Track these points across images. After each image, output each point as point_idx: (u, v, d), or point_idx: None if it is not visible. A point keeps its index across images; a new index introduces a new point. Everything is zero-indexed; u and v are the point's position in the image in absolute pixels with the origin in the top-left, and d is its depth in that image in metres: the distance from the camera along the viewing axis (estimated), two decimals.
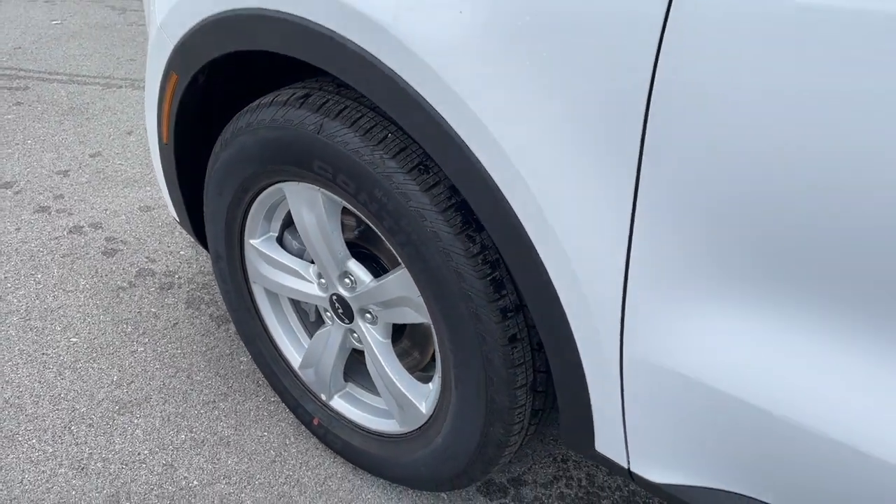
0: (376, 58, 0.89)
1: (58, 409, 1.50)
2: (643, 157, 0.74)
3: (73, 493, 1.33)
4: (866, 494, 0.77)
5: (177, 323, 1.74)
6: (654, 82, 0.70)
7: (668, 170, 0.74)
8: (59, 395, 1.53)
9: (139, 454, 1.41)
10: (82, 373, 1.59)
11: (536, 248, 0.87)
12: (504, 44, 0.79)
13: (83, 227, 2.08)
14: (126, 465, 1.39)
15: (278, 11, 0.98)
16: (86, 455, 1.40)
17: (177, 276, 1.89)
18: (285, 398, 1.44)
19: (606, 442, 0.97)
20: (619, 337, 0.86)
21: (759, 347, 0.79)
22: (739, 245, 0.74)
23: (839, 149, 0.63)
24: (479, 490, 1.36)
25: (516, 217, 0.86)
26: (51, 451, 1.41)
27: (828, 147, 0.64)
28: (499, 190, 0.86)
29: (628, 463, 0.96)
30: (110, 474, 1.37)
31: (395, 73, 0.88)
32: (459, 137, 0.86)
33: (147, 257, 1.96)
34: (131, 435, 1.45)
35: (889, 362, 0.73)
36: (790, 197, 0.68)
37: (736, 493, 0.89)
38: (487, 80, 0.81)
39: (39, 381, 1.56)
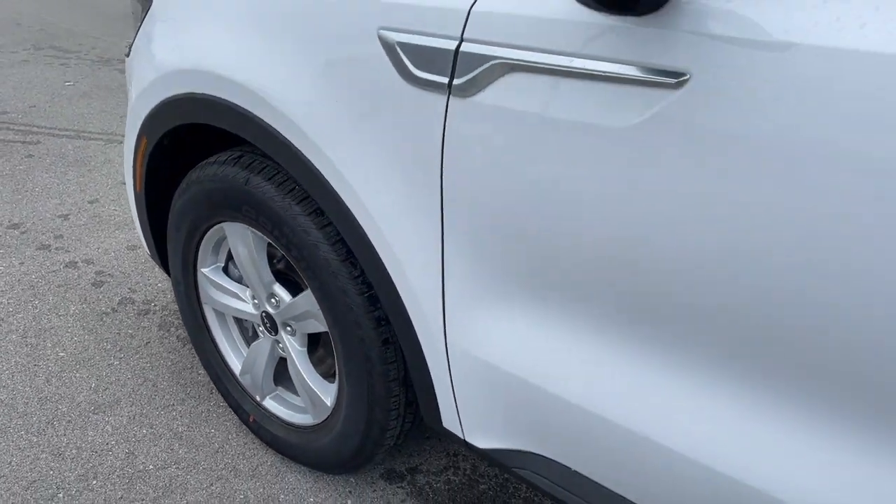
0: (260, 118, 1.24)
1: (43, 409, 1.81)
2: (444, 196, 1.07)
3: (51, 472, 1.63)
4: (609, 448, 1.08)
5: (149, 342, 2.06)
6: (444, 143, 1.04)
7: (460, 206, 1.07)
8: (46, 397, 1.85)
9: (107, 444, 1.71)
10: (66, 380, 1.90)
11: (388, 270, 1.20)
12: (344, 118, 1.13)
13: (77, 262, 2.42)
14: (96, 452, 1.69)
15: (198, 93, 1.34)
16: (63, 444, 1.71)
17: (153, 304, 2.22)
18: (229, 400, 1.76)
19: (449, 418, 1.28)
20: (443, 332, 1.18)
21: (535, 338, 1.11)
22: (512, 263, 1.06)
23: (560, 194, 0.96)
24: (382, 476, 1.66)
25: (371, 244, 1.19)
26: (35, 440, 1.72)
27: (551, 190, 0.97)
28: (357, 221, 1.19)
29: (464, 434, 1.27)
30: (82, 459, 1.67)
31: (271, 126, 1.22)
32: (329, 183, 1.19)
33: (129, 288, 2.29)
34: (102, 430, 1.76)
35: (622, 349, 1.04)
36: (539, 227, 1.01)
37: (532, 452, 1.19)
38: (335, 137, 1.16)
39: (30, 387, 1.88)
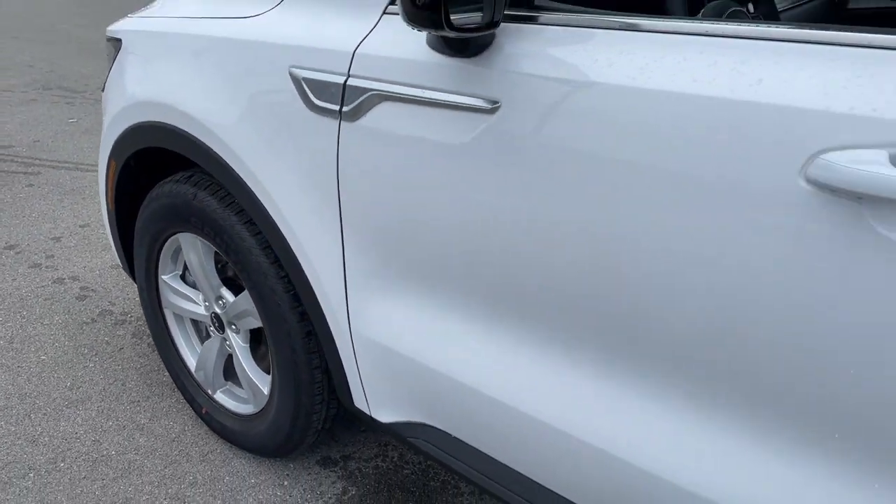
0: (203, 142, 1.47)
1: (23, 403, 2.03)
2: (341, 202, 1.30)
3: (25, 456, 1.84)
4: (483, 418, 1.28)
5: (122, 348, 2.28)
6: (339, 159, 1.27)
7: (353, 212, 1.29)
8: (25, 394, 2.06)
9: (76, 433, 1.93)
10: (45, 380, 2.12)
11: (304, 270, 1.42)
12: (265, 140, 1.37)
13: (64, 278, 2.66)
14: (66, 440, 1.90)
15: (156, 121, 1.58)
16: (38, 433, 1.92)
17: (129, 316, 2.45)
18: (185, 395, 1.97)
19: (358, 398, 1.49)
20: (348, 322, 1.40)
21: (421, 323, 1.32)
22: (397, 260, 1.29)
23: (418, 203, 1.19)
24: (318, 462, 1.86)
25: (290, 248, 1.42)
26: (13, 429, 1.93)
27: (415, 197, 1.19)
28: (278, 228, 1.42)
29: (370, 411, 1.48)
30: (53, 445, 1.88)
31: (211, 149, 1.46)
32: (256, 196, 1.43)
33: (109, 301, 2.52)
34: (73, 421, 1.97)
35: (490, 331, 1.24)
36: (409, 228, 1.23)
37: (423, 424, 1.40)
38: (258, 157, 1.39)
39: (13, 384, 2.10)
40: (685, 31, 0.92)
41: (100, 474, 1.79)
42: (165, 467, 1.82)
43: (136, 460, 1.84)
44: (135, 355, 2.25)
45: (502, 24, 1.06)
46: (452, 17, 0.96)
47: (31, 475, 1.78)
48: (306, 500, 1.74)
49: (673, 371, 0.99)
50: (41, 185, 3.51)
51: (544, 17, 1.05)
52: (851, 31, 0.80)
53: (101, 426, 1.95)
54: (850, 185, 0.75)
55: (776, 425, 0.91)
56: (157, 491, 1.75)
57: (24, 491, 1.74)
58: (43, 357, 2.22)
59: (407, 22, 0.97)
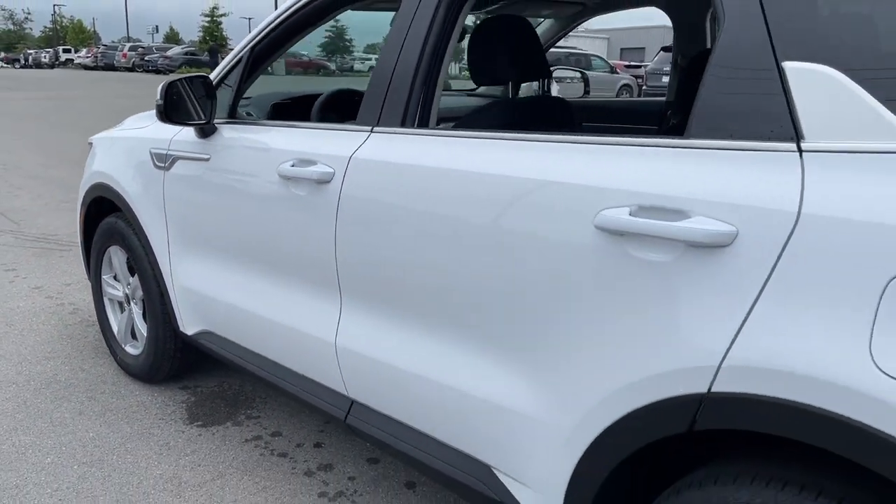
0: (118, 193, 2.86)
1: (2, 385, 3.34)
2: (167, 214, 2.64)
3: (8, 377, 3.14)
4: (242, 322, 2.53)
5: (84, 324, 3.60)
6: (164, 192, 2.63)
7: (172, 219, 2.63)
8: (26, 360, 3.38)
9: (40, 367, 3.22)
10: (38, 342, 3.44)
11: (154, 250, 2.74)
12: (141, 188, 2.74)
13: (63, 301, 4.03)
14: (42, 377, 3.19)
15: (101, 182, 2.99)
16: (18, 371, 3.22)
17: (90, 315, 3.78)
18: (110, 349, 3.25)
19: (178, 322, 2.74)
20: (171, 275, 2.69)
21: (208, 274, 2.59)
22: (193, 241, 2.60)
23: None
24: (179, 386, 3.08)
25: (151, 247, 2.74)
26: None
27: (192, 209, 2.53)
28: (144, 231, 2.76)
29: (183, 328, 2.73)
30: (23, 372, 3.17)
31: (122, 199, 2.84)
32: (139, 221, 2.78)
33: (89, 314, 3.87)
34: (45, 367, 3.26)
35: (243, 275, 2.52)
36: (196, 224, 2.55)
37: (207, 331, 2.64)
38: (138, 199, 2.76)
39: (18, 354, 3.42)
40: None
41: (42, 399, 3.07)
42: (93, 396, 3.09)
43: (73, 392, 3.11)
44: (88, 332, 3.56)
45: (224, 123, 2.42)
46: (184, 119, 2.33)
47: (13, 387, 3.07)
48: (168, 400, 2.97)
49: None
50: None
51: (241, 121, 2.42)
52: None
53: (55, 368, 3.24)
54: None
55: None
56: (90, 403, 3.01)
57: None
58: (36, 338, 3.56)
59: (160, 119, 2.35)
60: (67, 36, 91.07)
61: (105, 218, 3.09)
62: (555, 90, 4.07)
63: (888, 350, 1.04)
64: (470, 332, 1.65)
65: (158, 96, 2.28)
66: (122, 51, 48.64)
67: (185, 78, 2.33)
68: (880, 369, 1.04)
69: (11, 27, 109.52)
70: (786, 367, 1.13)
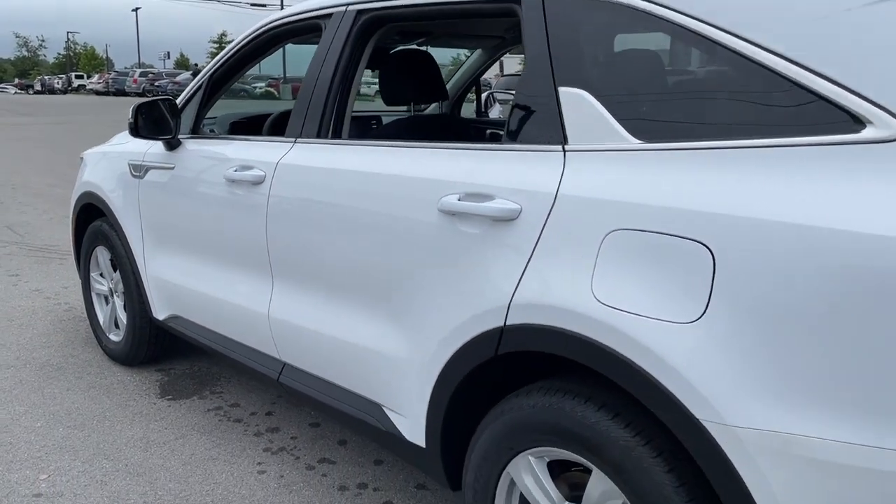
0: (102, 200, 3.34)
1: (2, 368, 3.81)
2: (141, 217, 3.12)
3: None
4: (203, 306, 3.00)
5: (75, 320, 4.07)
6: (139, 196, 3.12)
7: (146, 220, 3.11)
8: (11, 362, 3.86)
9: (38, 352, 3.68)
10: (34, 334, 3.92)
11: (132, 251, 3.22)
12: (121, 195, 3.23)
13: (60, 301, 4.51)
14: (41, 359, 3.66)
15: (89, 191, 3.47)
16: (17, 355, 3.69)
17: (75, 307, 4.26)
18: (97, 338, 3.72)
19: (151, 308, 3.21)
20: (145, 267, 3.17)
21: (175, 265, 3.06)
22: (164, 238, 3.07)
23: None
24: (154, 369, 3.55)
25: (129, 244, 3.22)
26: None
27: (162, 212, 3.01)
28: (125, 236, 3.23)
29: (155, 314, 3.20)
30: (30, 359, 3.64)
31: (105, 204, 3.32)
32: (119, 225, 3.26)
33: (81, 312, 4.34)
34: (43, 352, 3.73)
35: (203, 268, 2.99)
36: (166, 225, 3.02)
37: (175, 315, 3.11)
38: (120, 206, 3.25)
39: (18, 339, 3.89)
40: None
41: (39, 377, 3.53)
42: (81, 376, 3.55)
43: (65, 373, 3.58)
44: (78, 325, 4.03)
45: (192, 138, 2.90)
46: (152, 134, 2.82)
47: (11, 370, 3.54)
48: (144, 379, 3.43)
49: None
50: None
51: (202, 136, 2.90)
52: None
53: (54, 355, 3.71)
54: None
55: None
56: (77, 382, 3.47)
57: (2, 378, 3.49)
58: (34, 331, 4.03)
59: (131, 135, 2.84)
60: (80, 62, 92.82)
61: (93, 222, 3.57)
62: (497, 110, 4.56)
63: (602, 286, 1.49)
64: (358, 296, 2.11)
65: (130, 116, 2.77)
66: (132, 76, 49.72)
67: (153, 100, 2.82)
68: (597, 299, 1.49)
69: (26, 54, 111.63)
70: (547, 302, 1.58)
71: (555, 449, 1.65)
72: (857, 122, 1.27)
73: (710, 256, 1.35)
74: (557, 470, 1.72)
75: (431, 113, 3.10)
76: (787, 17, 1.39)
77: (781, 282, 1.27)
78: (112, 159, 3.34)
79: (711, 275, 1.34)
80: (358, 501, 2.48)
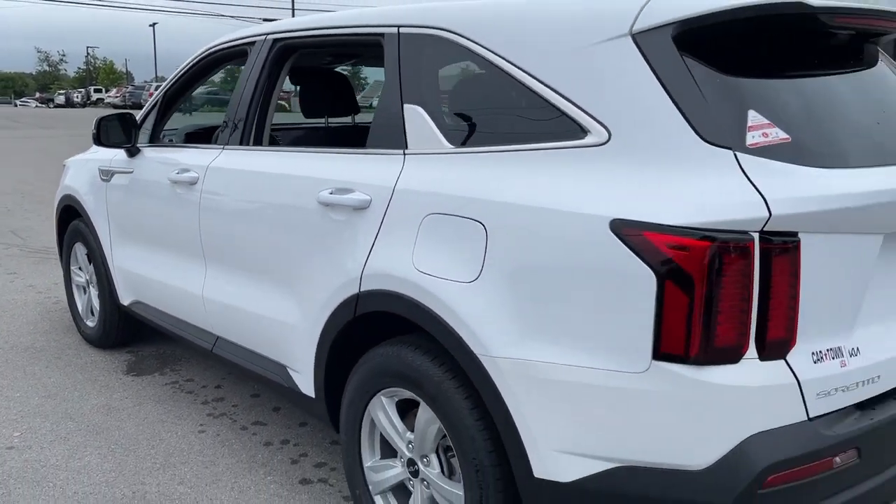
0: (78, 202, 3.83)
1: (14, 350, 4.30)
2: (109, 215, 3.60)
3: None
4: (158, 292, 3.46)
5: (61, 312, 4.55)
6: (107, 197, 3.59)
7: (113, 218, 3.58)
8: (13, 324, 4.34)
9: (27, 337, 4.17)
10: (25, 322, 4.40)
11: (102, 245, 3.69)
12: (92, 199, 3.71)
13: (50, 295, 5.00)
14: (18, 336, 4.14)
15: (68, 195, 3.96)
16: (17, 341, 4.17)
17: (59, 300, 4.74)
18: (76, 323, 4.19)
19: (118, 295, 3.68)
20: (112, 258, 3.64)
21: (137, 256, 3.53)
22: (127, 233, 3.55)
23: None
24: (125, 350, 4.01)
25: (99, 238, 3.70)
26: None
27: (127, 210, 3.48)
28: (97, 233, 3.71)
29: (120, 300, 3.67)
30: (16, 336, 4.12)
31: (81, 207, 3.82)
32: (92, 224, 3.74)
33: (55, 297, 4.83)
34: (33, 336, 4.21)
35: (157, 258, 3.46)
36: (129, 221, 3.50)
37: (137, 301, 3.57)
38: (93, 207, 3.73)
39: (14, 326, 4.38)
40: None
41: (24, 356, 4.01)
42: (60, 356, 4.03)
43: (50, 354, 4.05)
44: (64, 316, 4.51)
45: (150, 146, 3.37)
46: (113, 143, 3.30)
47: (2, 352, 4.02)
48: (114, 359, 3.89)
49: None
50: None
51: (159, 144, 3.37)
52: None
53: (39, 340, 4.19)
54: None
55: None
56: (56, 361, 3.95)
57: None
58: (28, 314, 4.52)
59: (95, 144, 3.32)
60: (99, 76, 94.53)
61: (72, 222, 4.05)
62: None
63: (418, 257, 1.93)
64: (265, 275, 2.56)
65: (93, 127, 3.25)
66: (148, 90, 50.70)
67: (114, 114, 3.30)
68: (416, 268, 1.94)
69: (47, 68, 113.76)
70: (384, 272, 2.03)
71: (398, 389, 2.08)
72: (582, 131, 1.71)
73: (485, 232, 1.79)
74: (406, 409, 2.15)
75: (342, 124, 3.57)
76: (549, 51, 1.83)
77: (529, 249, 1.70)
78: (87, 166, 3.82)
79: (485, 246, 1.78)
80: (278, 454, 2.93)
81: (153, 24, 65.89)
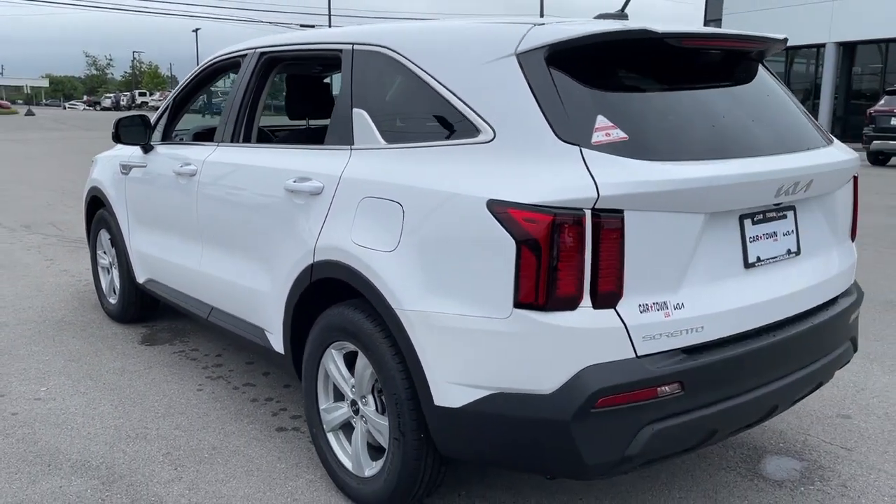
0: (103, 195, 4.38)
1: (27, 322, 4.86)
2: (127, 203, 4.13)
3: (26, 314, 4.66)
4: (168, 270, 3.98)
5: (88, 291, 5.11)
6: (126, 188, 4.13)
7: (131, 206, 4.11)
8: (30, 319, 4.91)
9: (49, 309, 4.72)
10: (48, 295, 4.97)
11: (122, 231, 4.23)
12: (112, 188, 4.25)
13: (81, 279, 5.57)
14: (26, 311, 4.70)
15: (94, 186, 4.51)
16: (39, 314, 4.74)
17: (85, 280, 5.30)
18: (101, 302, 4.74)
19: (134, 275, 4.20)
20: (129, 244, 4.17)
21: (151, 241, 4.05)
22: (143, 222, 4.07)
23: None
24: (142, 325, 4.54)
25: (120, 225, 4.24)
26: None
27: (141, 200, 4.00)
28: (117, 219, 4.25)
29: (137, 279, 4.20)
30: (52, 317, 4.69)
31: (105, 197, 4.37)
32: (113, 211, 4.28)
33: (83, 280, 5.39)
34: (52, 307, 4.77)
35: (171, 242, 3.97)
36: (145, 210, 4.02)
37: (151, 279, 4.09)
38: (114, 196, 4.27)
39: (36, 298, 4.95)
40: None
41: (62, 331, 4.56)
42: (87, 324, 4.58)
43: (77, 324, 4.60)
44: (87, 293, 5.06)
45: (161, 144, 3.89)
46: (129, 141, 3.83)
47: (34, 324, 4.58)
48: (132, 332, 4.42)
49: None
50: None
51: (170, 142, 3.89)
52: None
53: (68, 315, 4.74)
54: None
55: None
56: (81, 332, 4.49)
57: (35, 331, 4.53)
58: (60, 294, 5.09)
59: (113, 141, 3.84)
60: (143, 80, 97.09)
61: (98, 211, 4.60)
62: None
63: (355, 233, 2.39)
64: (247, 251, 3.04)
65: (112, 127, 3.78)
66: None
67: (130, 115, 3.82)
68: (353, 241, 2.39)
69: (94, 72, 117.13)
70: (330, 245, 2.49)
71: (344, 342, 2.54)
72: (476, 131, 2.15)
73: (402, 210, 2.23)
74: (352, 361, 2.61)
75: (321, 124, 4.06)
76: (457, 66, 2.28)
77: (432, 223, 2.15)
78: (111, 162, 4.36)
79: (402, 221, 2.23)
80: (262, 408, 3.41)
81: (196, 30, 67.55)
